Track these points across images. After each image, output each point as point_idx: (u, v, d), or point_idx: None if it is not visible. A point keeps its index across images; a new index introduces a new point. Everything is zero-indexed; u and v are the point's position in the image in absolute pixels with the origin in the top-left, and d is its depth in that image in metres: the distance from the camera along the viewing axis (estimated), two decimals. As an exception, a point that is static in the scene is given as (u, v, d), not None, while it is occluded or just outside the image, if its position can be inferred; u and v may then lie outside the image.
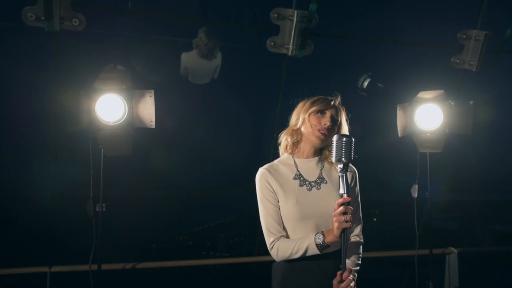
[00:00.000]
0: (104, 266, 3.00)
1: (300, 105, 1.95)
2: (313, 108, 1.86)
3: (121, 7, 3.97)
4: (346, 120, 1.93)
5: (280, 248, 1.79)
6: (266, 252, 1.86)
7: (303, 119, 1.88)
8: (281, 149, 1.96)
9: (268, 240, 1.82)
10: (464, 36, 3.56)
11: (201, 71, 4.43)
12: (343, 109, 1.93)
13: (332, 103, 1.90)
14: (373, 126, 4.21)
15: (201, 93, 4.56)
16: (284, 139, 1.93)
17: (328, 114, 1.86)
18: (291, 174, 1.86)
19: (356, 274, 1.83)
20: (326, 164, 1.90)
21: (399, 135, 3.30)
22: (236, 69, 4.63)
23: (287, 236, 1.83)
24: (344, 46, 4.46)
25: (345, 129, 1.91)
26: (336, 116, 1.88)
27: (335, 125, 1.87)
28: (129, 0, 4.07)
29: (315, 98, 1.92)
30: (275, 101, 3.75)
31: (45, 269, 3.21)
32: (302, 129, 1.89)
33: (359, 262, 1.90)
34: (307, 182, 1.85)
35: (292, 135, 1.91)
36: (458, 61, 3.62)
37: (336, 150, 1.69)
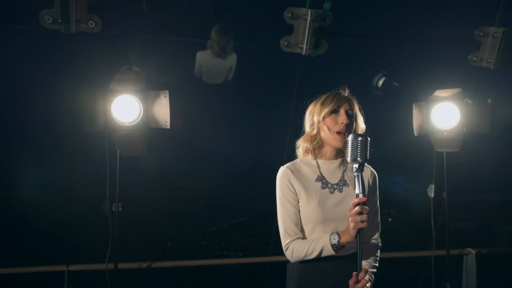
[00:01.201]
0: (121, 265, 3.03)
1: (310, 108, 1.90)
2: (326, 110, 1.82)
3: (135, 8, 4.01)
4: (360, 110, 1.89)
5: (295, 249, 1.77)
6: (280, 252, 1.85)
7: (318, 123, 1.84)
8: (300, 152, 1.91)
9: (284, 241, 1.80)
10: (482, 33, 3.50)
11: (215, 70, 4.44)
12: (354, 99, 1.89)
13: (342, 95, 1.86)
14: (388, 126, 4.17)
15: (214, 94, 4.57)
16: (304, 146, 1.88)
17: (342, 111, 1.82)
18: (313, 175, 1.83)
19: (373, 276, 1.81)
20: (348, 166, 1.87)
21: (415, 134, 3.27)
22: (249, 69, 4.63)
23: (304, 238, 1.81)
24: (359, 45, 4.42)
25: (360, 120, 1.87)
26: (351, 110, 1.84)
27: (352, 118, 1.83)
28: (143, 2, 4.10)
29: (324, 97, 1.87)
30: (289, 100, 3.75)
31: (63, 267, 3.27)
32: (321, 134, 1.84)
33: (376, 264, 1.87)
34: (329, 185, 1.82)
35: (311, 141, 1.86)
36: (475, 58, 3.56)
37: (352, 149, 1.67)
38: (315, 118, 1.85)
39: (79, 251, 3.70)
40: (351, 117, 1.83)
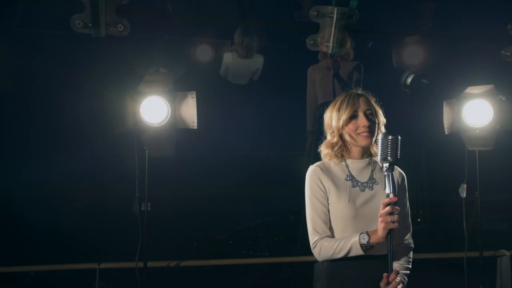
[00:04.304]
0: (150, 264, 3.08)
1: (328, 113, 1.88)
2: (344, 118, 1.79)
3: (162, 11, 4.07)
4: (376, 103, 1.86)
5: (323, 247, 1.75)
6: (307, 252, 1.83)
7: (338, 131, 1.83)
8: (324, 156, 1.89)
9: (312, 239, 1.79)
10: (516, 28, 3.39)
11: (241, 72, 4.46)
12: (369, 95, 1.86)
13: (356, 95, 1.82)
14: (418, 124, 4.08)
15: (240, 94, 4.59)
16: (326, 152, 1.87)
17: (360, 113, 1.80)
18: (343, 174, 1.82)
19: (406, 278, 1.77)
20: (377, 166, 1.85)
21: (446, 133, 3.20)
22: (275, 68, 4.63)
23: (334, 236, 1.79)
24: (387, 41, 4.34)
25: (380, 114, 1.85)
26: (369, 109, 1.81)
27: (372, 117, 1.81)
28: (170, 4, 4.16)
29: (338, 102, 1.84)
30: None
31: (94, 265, 3.36)
32: (344, 139, 1.84)
33: (409, 266, 1.84)
34: (359, 183, 1.81)
35: (332, 147, 1.85)
36: (509, 53, 3.45)
37: (382, 149, 1.65)
38: (334, 125, 1.84)
39: (110, 248, 3.79)
40: (371, 116, 1.81)
